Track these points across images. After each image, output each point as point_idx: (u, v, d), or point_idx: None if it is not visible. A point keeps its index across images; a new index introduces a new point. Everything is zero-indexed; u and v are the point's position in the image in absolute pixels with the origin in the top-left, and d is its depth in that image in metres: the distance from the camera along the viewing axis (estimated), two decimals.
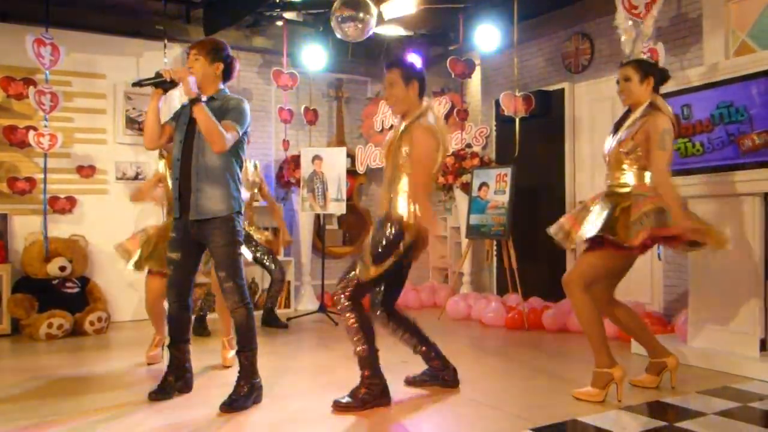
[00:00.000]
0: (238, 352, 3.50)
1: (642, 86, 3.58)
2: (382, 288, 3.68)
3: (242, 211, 3.57)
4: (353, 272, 3.45)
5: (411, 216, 3.44)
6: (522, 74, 6.80)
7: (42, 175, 5.92)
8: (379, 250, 3.42)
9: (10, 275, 5.67)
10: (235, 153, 3.51)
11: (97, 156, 6.38)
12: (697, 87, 4.34)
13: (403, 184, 3.50)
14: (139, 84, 3.53)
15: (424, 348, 3.82)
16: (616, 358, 3.53)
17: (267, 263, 5.98)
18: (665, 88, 4.34)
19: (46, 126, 5.79)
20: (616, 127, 3.70)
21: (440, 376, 3.82)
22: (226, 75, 3.62)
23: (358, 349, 3.44)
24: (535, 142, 6.62)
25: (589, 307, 3.53)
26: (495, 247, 7.13)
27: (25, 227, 5.99)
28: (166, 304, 4.17)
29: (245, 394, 3.41)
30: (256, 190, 6.04)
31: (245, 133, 3.57)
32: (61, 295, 5.75)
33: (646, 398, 3.55)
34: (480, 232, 6.44)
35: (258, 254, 5.91)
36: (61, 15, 6.03)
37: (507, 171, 6.32)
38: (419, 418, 3.30)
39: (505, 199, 6.24)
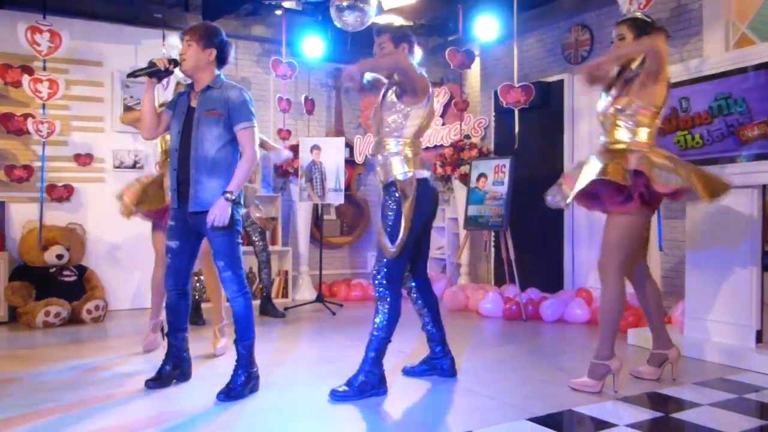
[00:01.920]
0: (235, 341, 3.49)
1: (626, 46, 3.53)
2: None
3: (241, 201, 3.54)
4: (381, 255, 3.47)
5: (405, 170, 3.45)
6: (521, 65, 6.78)
7: (39, 163, 5.91)
8: (391, 223, 3.43)
9: (8, 263, 5.66)
10: (234, 142, 3.47)
11: (95, 144, 6.37)
12: (695, 79, 4.33)
13: (391, 144, 3.52)
14: (133, 75, 3.52)
15: (433, 329, 3.82)
16: (615, 349, 3.53)
17: (254, 238, 6.01)
18: None
19: (44, 114, 5.77)
20: (609, 87, 3.67)
21: (438, 366, 3.83)
22: (221, 61, 3.52)
23: (375, 332, 3.45)
24: (534, 133, 6.62)
25: (619, 299, 3.51)
26: (493, 238, 7.14)
27: (22, 215, 5.98)
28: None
29: (242, 383, 3.41)
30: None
31: None
32: (58, 283, 5.75)
33: (643, 389, 3.56)
34: (478, 223, 6.44)
35: (248, 228, 5.93)
36: (59, 2, 6.00)
37: (505, 162, 6.32)
38: (416, 409, 3.30)
39: (503, 190, 6.24)
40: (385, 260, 3.45)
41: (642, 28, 3.53)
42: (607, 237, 3.54)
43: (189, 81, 3.60)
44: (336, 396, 3.35)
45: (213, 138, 3.40)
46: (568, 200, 3.55)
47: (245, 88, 3.55)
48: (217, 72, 3.52)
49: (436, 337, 3.84)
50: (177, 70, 3.57)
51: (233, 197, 3.35)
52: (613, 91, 3.61)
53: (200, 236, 3.59)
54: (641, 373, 3.80)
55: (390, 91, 3.58)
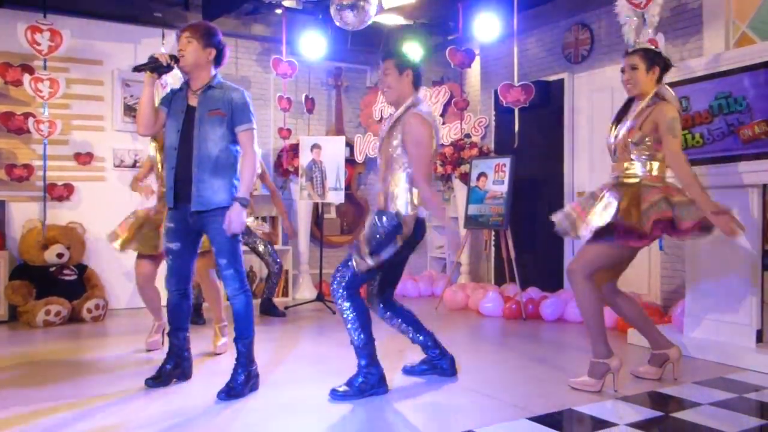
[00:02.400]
0: (235, 339, 3.49)
1: (648, 76, 3.54)
2: (378, 279, 3.69)
3: (246, 198, 3.52)
4: (349, 263, 3.44)
5: (408, 208, 3.44)
6: (521, 64, 6.77)
7: (39, 162, 5.91)
8: (376, 242, 3.41)
9: (8, 262, 5.66)
10: (234, 143, 3.49)
11: (95, 143, 6.36)
12: (695, 78, 4.33)
13: (398, 177, 3.48)
14: (137, 69, 3.50)
15: (421, 337, 3.84)
16: (613, 348, 3.54)
17: (265, 255, 6.01)
18: (665, 80, 4.33)
19: (44, 113, 5.77)
20: (619, 117, 3.67)
21: (438, 365, 3.83)
22: (218, 61, 3.54)
23: (354, 339, 3.45)
24: (534, 133, 6.61)
25: (592, 297, 3.52)
26: (493, 237, 7.14)
27: (22, 214, 5.98)
28: (159, 289, 4.29)
29: (242, 382, 3.42)
30: (256, 179, 6.03)
31: None
32: (58, 282, 5.75)
33: (643, 388, 3.56)
34: (478, 222, 6.44)
35: (257, 245, 5.94)
36: (59, 0, 6.00)
37: (506, 161, 6.31)
38: (416, 408, 3.30)
39: (503, 189, 6.24)
40: (352, 269, 3.43)
41: (653, 59, 3.55)
42: (587, 251, 3.54)
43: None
44: (336, 395, 3.35)
45: (216, 138, 3.42)
46: (581, 234, 3.52)
47: (246, 91, 3.57)
48: (213, 72, 3.52)
49: (429, 343, 3.85)
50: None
51: (246, 202, 3.42)
52: (627, 122, 3.58)
53: (200, 235, 3.59)
54: (642, 373, 3.80)
55: (396, 129, 3.51)
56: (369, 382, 3.41)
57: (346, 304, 3.43)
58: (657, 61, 3.55)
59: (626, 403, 3.29)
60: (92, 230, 6.17)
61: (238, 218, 3.38)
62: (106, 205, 6.25)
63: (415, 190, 3.50)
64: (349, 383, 3.40)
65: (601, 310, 3.56)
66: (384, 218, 3.45)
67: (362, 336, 3.44)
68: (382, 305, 3.78)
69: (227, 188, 3.45)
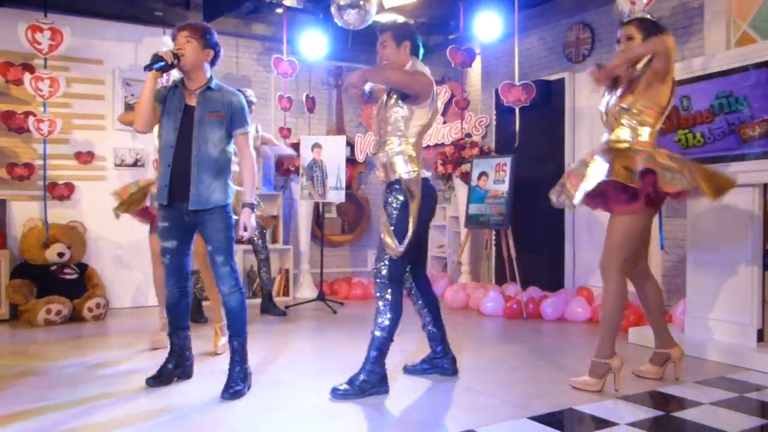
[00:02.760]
0: (230, 337, 3.50)
1: (635, 48, 3.50)
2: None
3: (254, 203, 3.65)
4: (384, 255, 3.44)
5: (409, 169, 3.43)
6: (522, 63, 6.77)
7: (40, 161, 5.91)
8: (396, 222, 3.41)
9: (9, 261, 5.66)
10: (230, 144, 3.57)
11: (96, 142, 6.36)
12: (696, 77, 4.33)
13: (393, 142, 3.50)
14: (149, 68, 3.45)
15: (434, 330, 3.82)
16: (616, 348, 3.53)
17: (255, 238, 6.01)
18: None
19: (45, 112, 5.77)
20: (611, 87, 3.66)
21: (439, 365, 3.83)
22: (214, 61, 3.60)
23: (377, 331, 3.43)
24: (535, 132, 6.61)
25: (620, 297, 3.50)
26: (494, 237, 7.14)
27: (23, 213, 5.98)
28: None
29: (242, 379, 3.44)
30: (262, 154, 6.06)
31: None
32: (59, 281, 5.75)
33: (644, 388, 3.56)
34: (479, 222, 6.44)
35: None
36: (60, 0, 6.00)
37: (506, 160, 6.31)
38: (417, 407, 3.30)
39: (504, 188, 6.24)
40: (387, 259, 3.44)
41: (649, 28, 3.51)
42: (610, 236, 3.53)
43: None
44: (337, 394, 3.35)
45: (216, 139, 3.47)
46: (576, 201, 3.52)
47: (241, 94, 3.65)
48: (209, 73, 3.57)
49: (437, 337, 3.84)
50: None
51: (255, 206, 3.56)
52: (618, 90, 3.59)
53: (194, 233, 3.62)
54: (643, 372, 3.79)
55: (392, 92, 3.56)
56: (370, 381, 3.40)
57: (388, 296, 3.42)
58: (653, 31, 3.50)
59: (627, 403, 3.28)
60: (93, 229, 6.18)
61: (250, 224, 3.51)
62: (107, 205, 6.18)
63: (412, 153, 3.49)
64: (351, 382, 3.40)
65: (622, 312, 3.54)
66: (391, 194, 3.46)
67: (385, 333, 3.43)
68: (412, 280, 3.79)
69: (223, 188, 3.51)
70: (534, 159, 6.64)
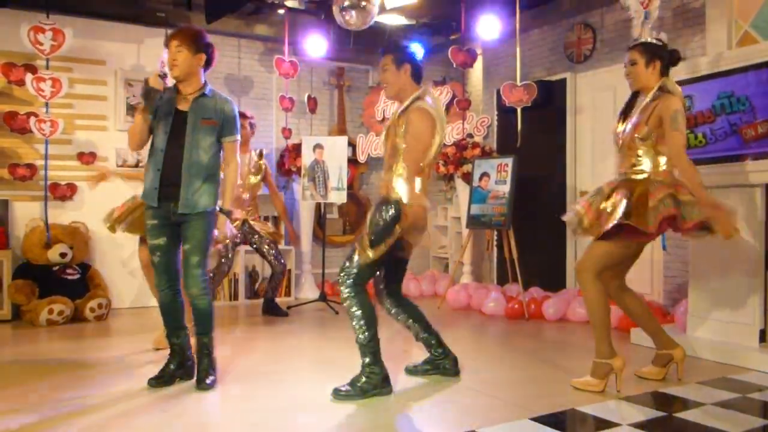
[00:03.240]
0: (200, 335, 3.60)
1: (648, 70, 3.53)
2: (383, 272, 3.71)
3: (231, 210, 3.74)
4: (354, 258, 3.44)
5: (409, 197, 3.41)
6: (524, 64, 6.77)
7: (42, 162, 5.91)
8: (377, 232, 3.39)
9: (11, 261, 5.67)
10: (220, 150, 3.65)
11: (98, 143, 6.37)
12: (697, 78, 4.33)
13: (401, 166, 3.48)
14: (147, 107, 3.51)
15: (426, 335, 3.84)
16: (616, 348, 3.53)
17: (269, 256, 5.99)
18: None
19: (47, 112, 5.77)
20: (625, 112, 3.66)
21: (441, 365, 3.83)
22: (207, 65, 3.63)
23: (359, 336, 3.43)
24: (536, 133, 6.61)
25: (600, 297, 3.51)
26: (495, 237, 7.14)
27: (25, 213, 5.99)
28: None
29: (214, 369, 3.60)
30: (260, 177, 6.04)
31: None
32: (61, 282, 5.76)
33: (646, 389, 3.56)
34: (481, 222, 6.44)
35: (262, 245, 5.94)
36: (62, 0, 6.00)
37: (508, 161, 6.31)
38: (419, 407, 3.30)
39: (506, 189, 6.24)
40: (356, 263, 3.41)
41: (653, 52, 3.52)
42: (595, 248, 3.53)
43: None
44: (339, 395, 3.35)
45: (207, 145, 3.55)
46: (584, 235, 3.56)
47: (233, 102, 3.71)
48: (203, 78, 3.61)
49: (433, 342, 3.85)
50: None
51: (230, 214, 3.68)
52: (633, 119, 3.57)
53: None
54: (645, 373, 3.78)
55: (402, 120, 3.52)
56: (371, 382, 3.40)
57: (353, 300, 3.41)
58: (658, 55, 3.52)
59: (629, 403, 3.28)
60: (95, 230, 6.18)
61: (226, 229, 3.65)
62: (109, 205, 6.19)
63: (418, 180, 3.48)
64: (352, 383, 3.40)
65: (608, 310, 3.55)
66: (383, 207, 3.44)
67: (366, 333, 3.41)
68: (389, 300, 3.79)
69: (212, 193, 3.58)
70: (536, 159, 6.64)
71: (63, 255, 5.76)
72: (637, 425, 2.94)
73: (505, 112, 6.96)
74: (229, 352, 4.37)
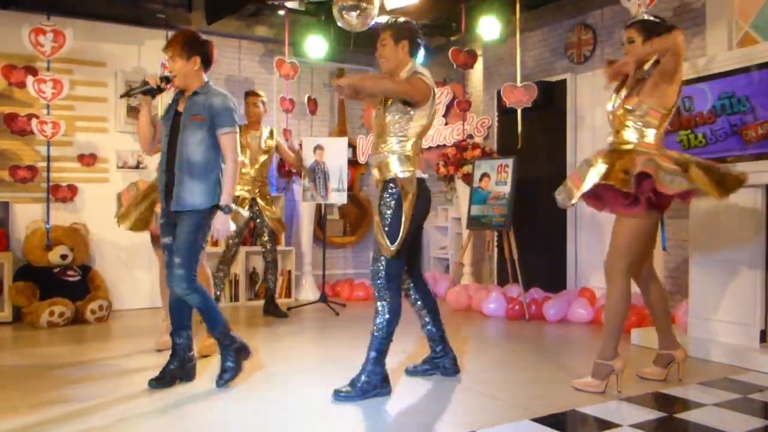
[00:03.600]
0: (209, 331, 3.65)
1: (646, 47, 3.48)
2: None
3: (229, 205, 3.62)
4: (380, 257, 3.43)
5: (404, 169, 3.44)
6: (524, 65, 6.77)
7: (43, 163, 5.92)
8: (388, 221, 3.41)
9: (12, 263, 5.68)
10: (217, 147, 3.59)
11: (99, 144, 6.38)
12: (698, 78, 4.32)
13: (390, 142, 3.48)
14: (126, 95, 3.69)
15: (433, 329, 3.83)
16: (618, 349, 3.53)
17: (264, 238, 6.03)
18: None
19: (48, 114, 5.78)
20: (619, 87, 3.66)
21: (440, 364, 3.83)
22: (206, 64, 3.65)
23: (376, 329, 3.43)
24: (537, 133, 6.61)
25: (624, 299, 3.49)
26: (496, 238, 7.13)
27: (26, 215, 6.00)
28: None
29: (233, 361, 3.60)
30: (269, 155, 6.07)
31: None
32: (62, 283, 5.76)
33: (646, 389, 3.55)
34: (481, 223, 6.44)
35: (262, 229, 5.99)
36: (62, 2, 6.01)
37: (508, 162, 6.31)
38: (419, 408, 3.30)
39: (506, 190, 6.23)
40: (383, 259, 3.42)
41: (651, 30, 3.50)
42: (615, 239, 3.52)
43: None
44: (339, 396, 3.35)
45: (196, 142, 3.54)
46: (573, 201, 3.54)
47: (230, 96, 3.66)
48: (205, 77, 3.65)
49: (437, 337, 3.85)
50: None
51: (229, 209, 3.56)
52: (624, 91, 3.59)
53: None
54: (647, 374, 3.77)
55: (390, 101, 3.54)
56: (372, 383, 3.39)
57: (386, 298, 3.42)
58: (655, 31, 3.48)
59: (630, 404, 3.28)
60: (96, 231, 6.19)
61: (222, 226, 3.57)
62: (110, 207, 6.26)
63: (410, 153, 3.48)
64: (352, 383, 3.39)
65: (625, 314, 3.54)
66: (384, 193, 3.46)
67: (384, 330, 3.42)
68: (410, 280, 3.79)
69: (206, 191, 3.55)
70: (536, 160, 6.64)
71: (63, 257, 5.77)
72: (638, 426, 2.93)
73: (506, 113, 6.95)
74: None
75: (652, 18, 3.58)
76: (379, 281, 3.44)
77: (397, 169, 3.46)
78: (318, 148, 6.59)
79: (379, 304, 3.44)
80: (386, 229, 3.41)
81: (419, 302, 3.83)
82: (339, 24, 5.82)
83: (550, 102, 6.59)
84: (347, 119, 8.03)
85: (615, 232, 3.53)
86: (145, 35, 6.55)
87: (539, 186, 6.69)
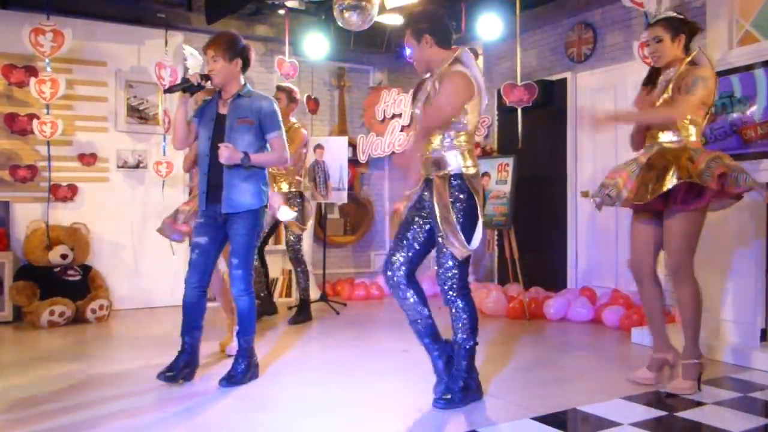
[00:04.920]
0: (238, 335, 3.70)
1: (674, 44, 3.45)
2: (413, 255, 3.35)
3: (267, 204, 3.74)
4: (447, 262, 3.18)
5: (470, 165, 3.19)
6: (524, 64, 6.77)
7: (43, 163, 5.92)
8: (462, 220, 3.12)
9: (12, 263, 5.68)
10: (262, 148, 3.67)
11: (99, 144, 6.37)
12: None
13: (446, 138, 3.19)
14: (170, 90, 3.73)
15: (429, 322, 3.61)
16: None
17: (291, 238, 5.75)
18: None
19: (47, 113, 5.78)
20: (651, 83, 3.58)
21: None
22: (245, 67, 3.72)
23: (462, 340, 3.23)
24: (537, 132, 6.61)
25: (700, 295, 3.46)
26: (496, 237, 7.13)
27: (27, 215, 5.99)
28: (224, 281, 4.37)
29: (243, 371, 3.62)
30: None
31: None
32: (62, 283, 5.76)
33: (647, 388, 3.55)
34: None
35: (290, 238, 5.78)
36: (62, 2, 6.01)
37: (509, 161, 6.31)
38: (420, 408, 3.29)
39: (506, 188, 6.23)
40: (453, 265, 3.17)
41: (678, 27, 3.45)
42: (677, 238, 3.42)
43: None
44: (440, 404, 3.21)
45: (245, 144, 3.59)
46: (651, 196, 3.34)
47: (273, 99, 3.74)
48: (243, 79, 3.70)
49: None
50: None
51: (247, 162, 3.53)
52: (658, 90, 3.51)
53: (225, 235, 3.71)
54: (640, 378, 3.65)
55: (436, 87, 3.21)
56: (471, 388, 3.27)
57: (461, 305, 3.22)
58: (681, 29, 3.45)
59: (631, 403, 3.28)
60: (96, 231, 6.19)
61: (231, 155, 3.50)
62: (110, 206, 6.28)
63: (471, 147, 3.23)
64: (449, 390, 3.23)
65: (701, 308, 3.50)
66: (451, 191, 3.15)
67: (471, 341, 3.25)
68: (405, 278, 3.35)
69: (255, 192, 3.65)
70: (536, 159, 6.64)
71: (64, 256, 5.77)
72: (638, 425, 2.94)
73: (506, 112, 6.95)
74: (231, 354, 4.37)
75: (676, 15, 3.52)
76: (453, 287, 3.20)
77: (461, 164, 3.18)
78: (318, 147, 6.59)
79: (457, 313, 3.24)
80: (459, 227, 3.10)
81: (414, 296, 3.39)
82: (339, 23, 5.81)
83: (551, 101, 6.59)
84: (347, 118, 8.03)
85: (675, 232, 3.41)
86: (145, 35, 6.55)
87: (540, 185, 6.70)
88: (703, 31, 5.22)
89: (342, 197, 6.53)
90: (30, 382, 3.73)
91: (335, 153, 6.53)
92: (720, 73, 4.18)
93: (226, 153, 3.49)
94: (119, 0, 6.41)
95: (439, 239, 3.17)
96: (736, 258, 4.18)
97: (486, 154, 6.87)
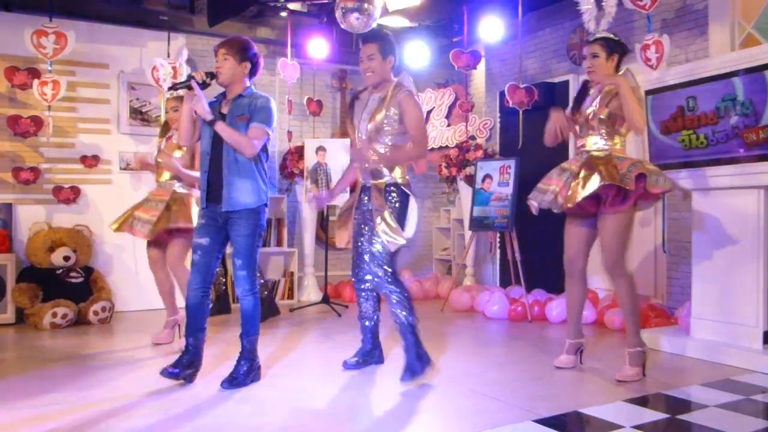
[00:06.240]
0: (241, 335, 3.69)
1: (608, 63, 3.82)
2: (361, 261, 3.93)
3: (268, 204, 3.75)
4: (378, 250, 3.62)
5: (405, 176, 3.77)
6: (526, 66, 6.78)
7: (46, 165, 5.94)
8: (397, 213, 3.65)
9: (15, 265, 5.69)
10: (263, 148, 3.69)
11: (101, 146, 6.39)
12: (702, 79, 4.31)
13: (389, 149, 3.73)
14: (173, 88, 3.77)
15: (375, 326, 4.13)
16: (621, 350, 3.54)
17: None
18: (670, 80, 4.35)
19: (49, 116, 5.79)
20: (578, 100, 3.99)
21: (375, 355, 4.09)
22: (253, 72, 3.74)
23: (403, 318, 3.63)
24: (539, 134, 6.55)
25: (634, 285, 3.82)
26: (498, 239, 7.14)
27: (29, 217, 6.01)
28: (171, 277, 4.65)
29: (245, 372, 3.64)
30: None
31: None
32: (65, 285, 5.77)
33: (648, 390, 3.55)
34: (483, 224, 6.44)
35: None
36: (65, 4, 6.02)
37: (511, 163, 6.31)
38: (421, 410, 3.30)
39: (508, 191, 6.23)
40: (384, 259, 3.63)
41: (613, 47, 3.82)
42: (608, 238, 3.76)
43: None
44: (406, 382, 3.59)
45: None
46: (579, 198, 3.69)
47: (271, 98, 3.73)
48: (248, 83, 3.72)
49: (377, 331, 4.13)
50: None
51: (210, 118, 3.55)
52: (595, 102, 3.86)
53: (228, 235, 3.72)
54: (562, 362, 3.99)
55: (383, 106, 3.73)
56: (424, 358, 3.63)
57: (394, 287, 3.63)
58: (616, 49, 3.83)
59: (632, 405, 3.28)
60: (99, 233, 6.20)
61: (199, 103, 3.54)
62: (113, 208, 6.25)
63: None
64: (410, 365, 3.60)
65: (638, 297, 3.86)
66: (394, 191, 3.70)
67: (411, 317, 3.63)
68: (364, 289, 4.05)
69: (255, 190, 3.64)
70: (538, 161, 6.60)
71: (66, 258, 5.78)
72: (640, 427, 2.93)
73: (508, 114, 6.96)
74: (231, 355, 4.36)
75: (612, 36, 3.91)
76: (384, 272, 3.63)
77: (398, 175, 3.76)
78: (320, 149, 6.61)
79: (392, 296, 3.63)
80: (395, 220, 3.64)
81: (372, 301, 4.08)
82: (341, 25, 5.82)
83: (552, 103, 6.57)
84: None
85: (606, 232, 3.76)
86: (148, 37, 6.56)
87: None
88: (705, 33, 5.24)
89: (344, 199, 6.51)
90: (32, 383, 3.73)
91: (337, 155, 6.55)
92: (723, 76, 4.18)
93: (196, 104, 3.55)
94: (122, 2, 6.43)
95: (376, 230, 3.64)
96: (737, 260, 4.18)
97: (488, 156, 6.87)
